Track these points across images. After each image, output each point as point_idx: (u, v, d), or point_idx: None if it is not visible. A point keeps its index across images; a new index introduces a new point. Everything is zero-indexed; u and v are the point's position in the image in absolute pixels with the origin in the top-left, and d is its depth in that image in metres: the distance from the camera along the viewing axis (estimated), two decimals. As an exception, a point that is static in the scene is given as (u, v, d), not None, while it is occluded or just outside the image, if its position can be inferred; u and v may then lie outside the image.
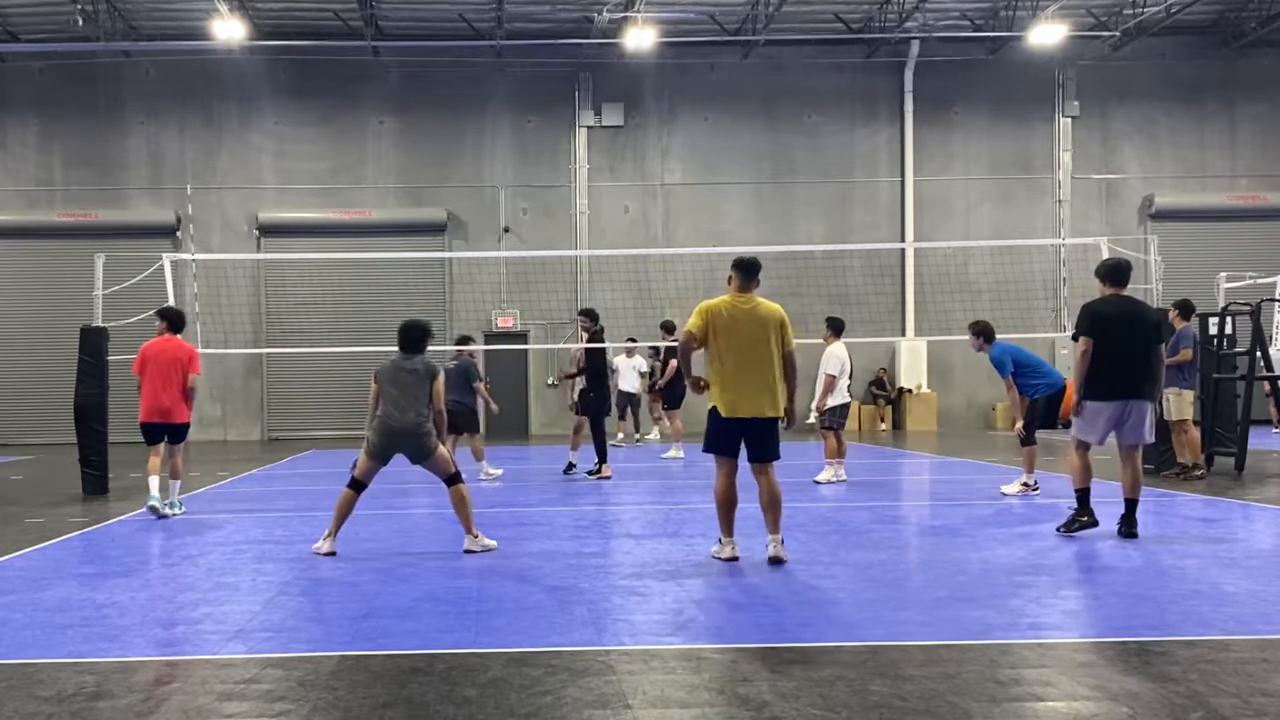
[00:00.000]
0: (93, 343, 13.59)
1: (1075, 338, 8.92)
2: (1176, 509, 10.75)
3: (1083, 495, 8.86)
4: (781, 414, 7.85)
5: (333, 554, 8.38)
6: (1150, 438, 8.89)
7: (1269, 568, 7.55)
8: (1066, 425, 9.73)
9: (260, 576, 7.65)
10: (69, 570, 8.09)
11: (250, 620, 6.25)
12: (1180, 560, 7.84)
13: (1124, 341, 8.67)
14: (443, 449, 8.66)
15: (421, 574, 7.65)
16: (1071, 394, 9.51)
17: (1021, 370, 11.71)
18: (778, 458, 7.85)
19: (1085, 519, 8.83)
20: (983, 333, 12.04)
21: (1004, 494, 11.87)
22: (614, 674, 5.04)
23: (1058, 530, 8.99)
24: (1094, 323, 8.73)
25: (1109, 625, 5.90)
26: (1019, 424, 11.95)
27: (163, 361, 11.02)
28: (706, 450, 7.91)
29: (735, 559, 7.79)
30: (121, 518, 11.04)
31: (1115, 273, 8.93)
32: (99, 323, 14.08)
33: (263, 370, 25.83)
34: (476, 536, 8.54)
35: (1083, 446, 8.91)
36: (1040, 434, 12.12)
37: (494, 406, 14.59)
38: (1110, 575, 7.49)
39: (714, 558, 7.92)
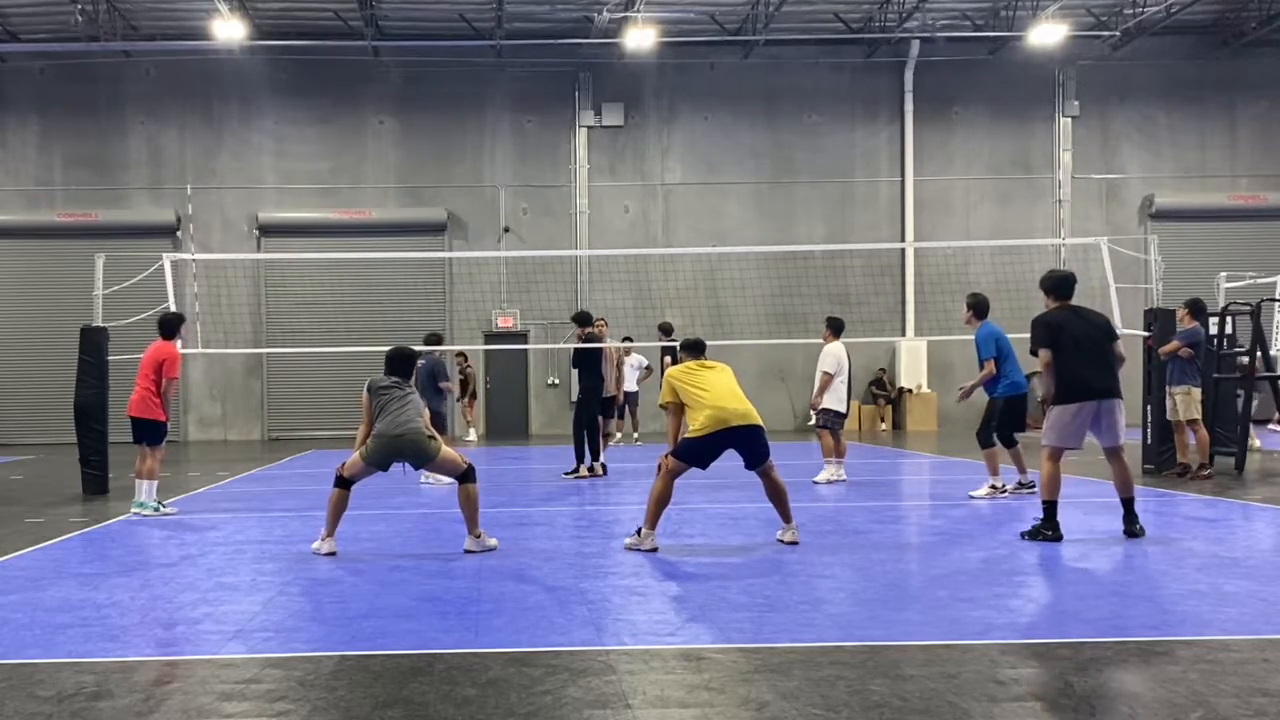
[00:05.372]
0: (93, 342, 13.59)
1: (1034, 352, 8.76)
2: (1176, 509, 10.74)
3: (1050, 508, 8.61)
4: (762, 423, 8.55)
5: (333, 554, 8.38)
6: (1124, 438, 8.83)
7: (1269, 568, 7.55)
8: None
9: (260, 576, 7.65)
10: (69, 570, 8.09)
11: (250, 620, 6.25)
12: (1180, 560, 7.84)
13: (1085, 343, 8.62)
14: (446, 449, 8.66)
15: (422, 574, 7.65)
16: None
17: (996, 361, 11.41)
18: (769, 456, 8.53)
19: (1049, 532, 8.58)
20: (976, 306, 11.78)
21: (971, 497, 11.59)
22: (614, 674, 5.04)
23: (1021, 535, 8.78)
24: (1050, 332, 8.65)
25: (1109, 625, 5.89)
26: (961, 388, 11.93)
27: (143, 362, 11.52)
28: (676, 455, 8.46)
29: (655, 550, 8.40)
30: (121, 517, 11.04)
31: (1061, 286, 8.87)
32: (99, 323, 14.07)
33: (263, 370, 25.83)
34: (479, 536, 8.54)
35: (1055, 455, 8.71)
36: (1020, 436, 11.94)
37: (455, 390, 14.39)
38: (1110, 575, 7.49)
39: (631, 549, 8.45)
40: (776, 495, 8.61)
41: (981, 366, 11.56)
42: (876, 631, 5.82)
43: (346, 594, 7.02)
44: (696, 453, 8.42)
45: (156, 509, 11.19)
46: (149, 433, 11.35)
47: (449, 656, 5.38)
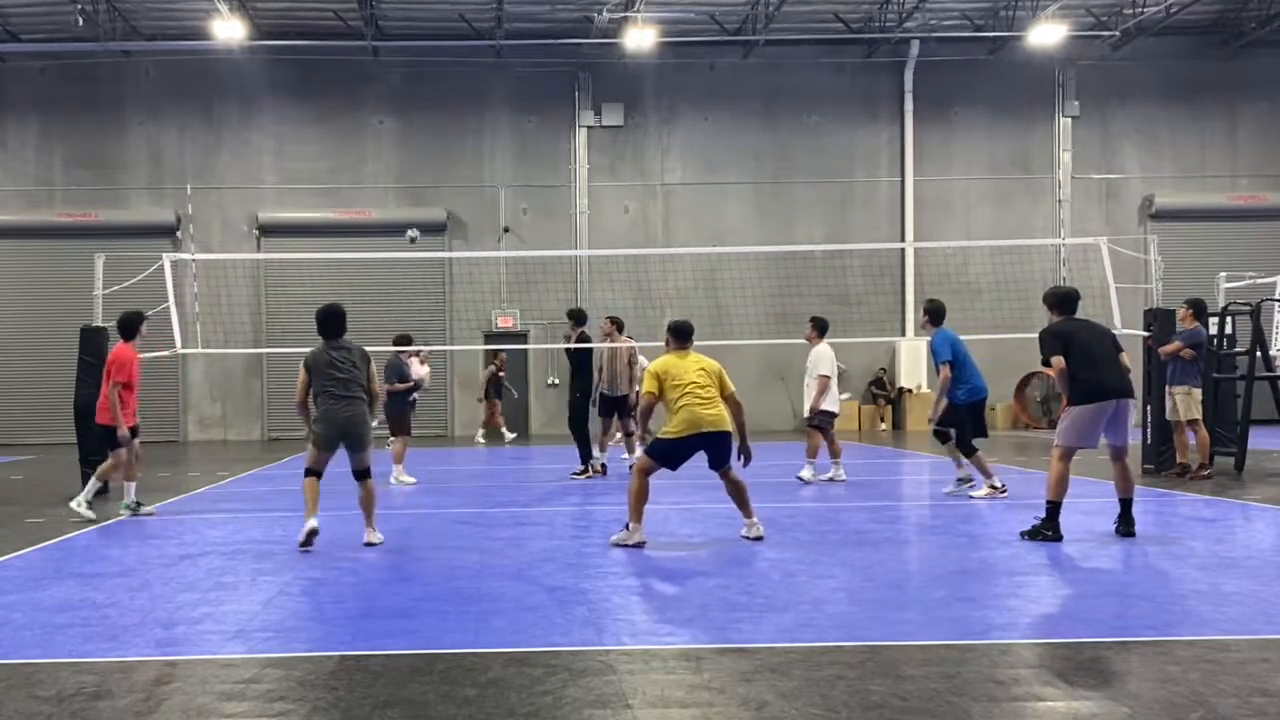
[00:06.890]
0: (93, 343, 13.56)
1: (1046, 363, 8.86)
2: (1176, 509, 10.75)
3: (1054, 509, 8.65)
4: (731, 428, 8.69)
5: (315, 531, 8.51)
6: (1131, 440, 8.92)
7: (1269, 568, 7.55)
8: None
9: (260, 576, 7.64)
10: (69, 570, 8.09)
11: (250, 620, 6.25)
12: (1180, 560, 7.84)
13: (1095, 349, 8.75)
14: (369, 449, 8.84)
15: (421, 574, 7.65)
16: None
17: (954, 366, 11.45)
18: (730, 459, 8.75)
19: (1050, 533, 8.60)
20: (933, 312, 11.87)
21: (972, 498, 11.60)
22: (614, 674, 5.04)
23: (1021, 535, 8.78)
24: (1059, 340, 8.76)
25: (1109, 625, 5.89)
26: (930, 413, 11.98)
27: (106, 364, 11.23)
28: (649, 454, 8.72)
29: (643, 544, 8.58)
30: (121, 518, 11.03)
31: (1066, 302, 9.02)
32: (99, 323, 14.05)
33: (263, 370, 25.84)
34: (374, 529, 8.81)
35: (1068, 455, 8.78)
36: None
37: (391, 388, 13.91)
38: (1110, 575, 7.49)
39: (618, 545, 8.57)
40: (737, 492, 8.93)
41: (938, 371, 11.64)
42: (876, 631, 5.82)
43: (346, 594, 7.02)
44: (670, 454, 8.68)
45: (130, 508, 11.11)
46: (108, 439, 11.08)
47: (449, 656, 5.38)
